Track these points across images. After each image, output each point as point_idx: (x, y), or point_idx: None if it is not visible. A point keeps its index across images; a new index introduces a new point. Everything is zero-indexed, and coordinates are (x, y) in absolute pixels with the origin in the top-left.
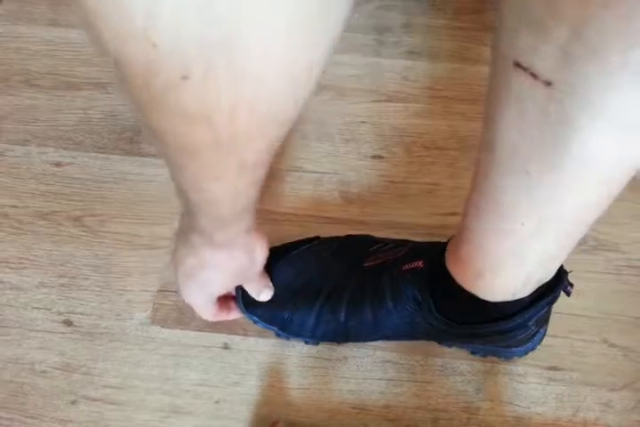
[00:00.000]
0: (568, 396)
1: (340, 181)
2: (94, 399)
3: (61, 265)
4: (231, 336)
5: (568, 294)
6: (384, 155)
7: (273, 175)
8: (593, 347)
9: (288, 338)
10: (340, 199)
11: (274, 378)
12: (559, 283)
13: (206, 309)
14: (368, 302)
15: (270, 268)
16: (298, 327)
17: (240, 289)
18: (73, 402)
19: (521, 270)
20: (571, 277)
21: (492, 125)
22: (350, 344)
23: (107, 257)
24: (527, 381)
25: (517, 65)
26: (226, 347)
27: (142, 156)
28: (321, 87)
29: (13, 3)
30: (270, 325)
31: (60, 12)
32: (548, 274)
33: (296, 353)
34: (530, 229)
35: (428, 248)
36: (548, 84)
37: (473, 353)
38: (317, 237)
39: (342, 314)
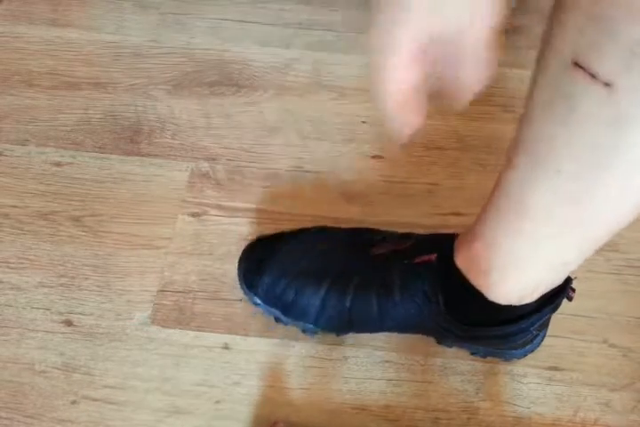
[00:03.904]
0: (568, 396)
1: (340, 181)
2: (94, 399)
3: (61, 265)
4: (231, 336)
5: (570, 299)
6: (384, 155)
7: (273, 175)
8: (593, 347)
9: (287, 324)
10: (340, 199)
11: (274, 378)
12: (564, 289)
13: (390, 71)
14: (375, 290)
15: (274, 251)
16: (301, 311)
17: (242, 268)
18: (73, 402)
19: (531, 274)
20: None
21: (531, 123)
22: (350, 344)
23: (107, 257)
24: (527, 381)
25: (576, 64)
26: (226, 347)
27: (142, 156)
28: (321, 87)
29: (13, 3)
30: (272, 307)
31: (60, 12)
32: (558, 280)
33: (296, 353)
34: (550, 231)
35: (437, 241)
36: (608, 85)
37: (473, 354)
38: (325, 226)
39: (348, 300)
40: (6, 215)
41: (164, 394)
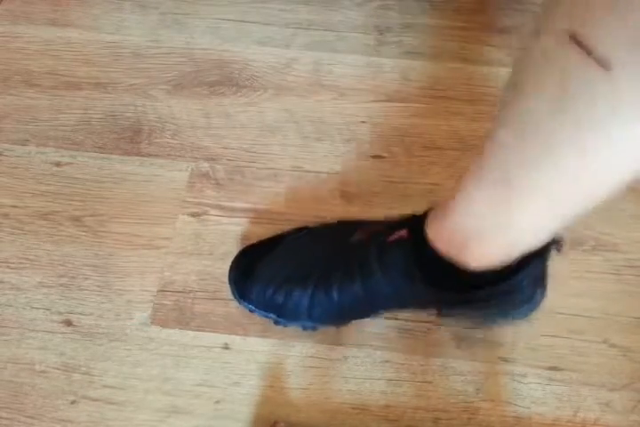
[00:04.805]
0: (568, 396)
1: (340, 181)
2: (94, 399)
3: (61, 265)
4: (231, 336)
5: (559, 250)
6: (384, 155)
7: (273, 175)
8: (593, 347)
9: (286, 325)
10: (339, 199)
11: (274, 378)
12: (549, 245)
13: None
14: (357, 276)
15: (261, 259)
16: (294, 311)
17: (233, 280)
18: (73, 402)
19: (511, 240)
20: (571, 278)
21: (521, 97)
22: (350, 344)
23: (107, 257)
24: (527, 381)
25: (573, 38)
26: (226, 347)
27: (142, 156)
28: (321, 87)
29: (13, 3)
30: (267, 312)
31: (60, 12)
32: (540, 242)
33: (296, 353)
34: (534, 201)
35: (409, 219)
36: (606, 63)
37: (475, 323)
38: (306, 227)
39: (334, 292)
40: (6, 215)
41: (164, 394)
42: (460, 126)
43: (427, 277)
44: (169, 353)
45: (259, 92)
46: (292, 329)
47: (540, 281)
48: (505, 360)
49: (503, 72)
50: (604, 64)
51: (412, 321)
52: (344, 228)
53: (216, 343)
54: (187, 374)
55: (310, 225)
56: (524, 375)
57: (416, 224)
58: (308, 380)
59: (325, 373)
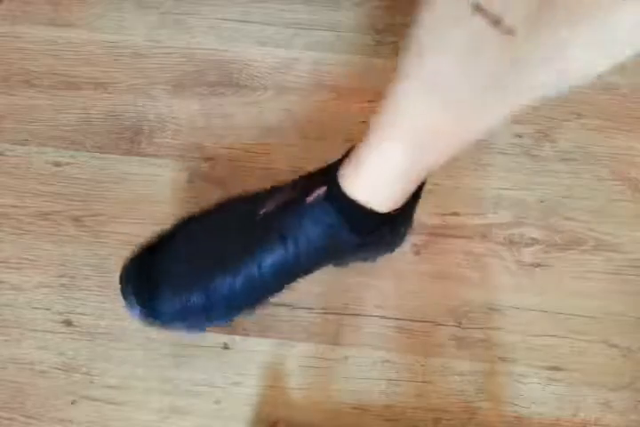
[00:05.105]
0: (568, 396)
1: None
2: (94, 399)
3: (61, 265)
4: (231, 336)
5: None
6: None
7: (273, 175)
8: (593, 347)
9: (224, 324)
10: None
11: (274, 378)
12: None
13: None
14: (280, 244)
15: (158, 263)
16: (219, 305)
17: (131, 299)
18: (73, 402)
19: (412, 182)
20: (571, 278)
21: (427, 54)
22: (350, 344)
23: (107, 257)
24: (527, 381)
25: (478, 8)
26: (226, 347)
27: (142, 156)
28: (321, 87)
29: (13, 3)
30: (185, 320)
31: (60, 12)
32: (429, 174)
33: (296, 353)
34: (429, 144)
35: (322, 174)
36: (510, 30)
37: (365, 260)
38: (190, 217)
39: (255, 268)
40: (6, 215)
41: (163, 394)
42: None
43: (352, 227)
44: (169, 353)
45: (259, 92)
46: (292, 329)
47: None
48: (505, 360)
49: None
50: (508, 31)
51: (412, 321)
52: (239, 205)
53: (216, 343)
54: (187, 374)
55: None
56: (524, 375)
57: (331, 178)
58: (308, 380)
59: (325, 373)
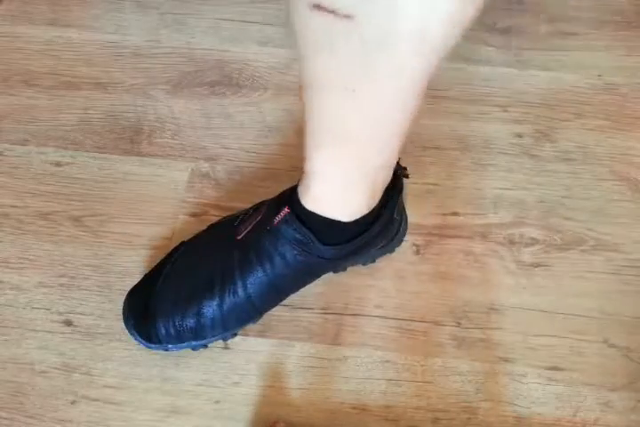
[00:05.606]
0: (568, 396)
1: None
2: (94, 399)
3: (61, 265)
4: None
5: (406, 176)
6: None
7: (273, 175)
8: (593, 347)
9: (206, 346)
10: None
11: (274, 378)
12: (398, 173)
13: None
14: (258, 266)
15: (153, 292)
16: (210, 327)
17: (133, 326)
18: (73, 402)
19: (367, 188)
20: (571, 278)
21: (303, 61)
22: (350, 344)
23: (107, 257)
24: (527, 381)
25: (316, 6)
26: (226, 347)
27: (142, 156)
28: None
29: (13, 3)
30: (183, 342)
31: (60, 12)
32: (389, 177)
33: (296, 353)
34: (367, 149)
35: (286, 196)
36: (348, 17)
37: (365, 264)
38: (182, 243)
39: (240, 289)
40: (6, 215)
41: (163, 394)
42: (459, 126)
43: (324, 239)
44: (169, 353)
45: (259, 92)
46: (292, 329)
47: (402, 211)
48: (505, 360)
49: (503, 72)
50: (346, 18)
51: (412, 321)
52: (220, 228)
53: (216, 343)
54: (187, 374)
55: (184, 240)
56: (524, 375)
57: (294, 198)
58: (308, 380)
59: (325, 373)
